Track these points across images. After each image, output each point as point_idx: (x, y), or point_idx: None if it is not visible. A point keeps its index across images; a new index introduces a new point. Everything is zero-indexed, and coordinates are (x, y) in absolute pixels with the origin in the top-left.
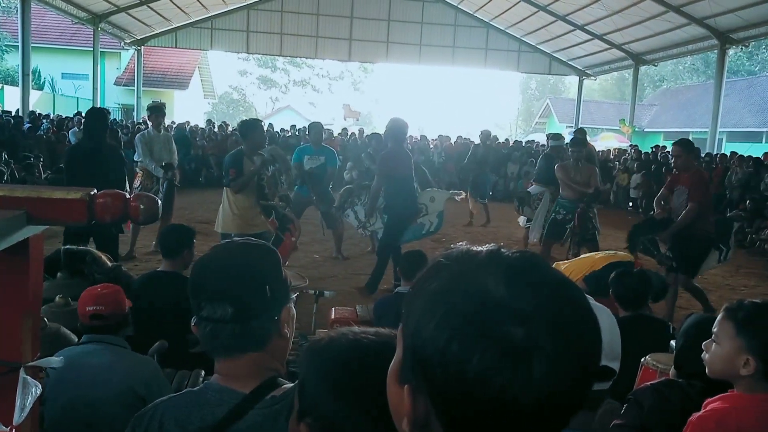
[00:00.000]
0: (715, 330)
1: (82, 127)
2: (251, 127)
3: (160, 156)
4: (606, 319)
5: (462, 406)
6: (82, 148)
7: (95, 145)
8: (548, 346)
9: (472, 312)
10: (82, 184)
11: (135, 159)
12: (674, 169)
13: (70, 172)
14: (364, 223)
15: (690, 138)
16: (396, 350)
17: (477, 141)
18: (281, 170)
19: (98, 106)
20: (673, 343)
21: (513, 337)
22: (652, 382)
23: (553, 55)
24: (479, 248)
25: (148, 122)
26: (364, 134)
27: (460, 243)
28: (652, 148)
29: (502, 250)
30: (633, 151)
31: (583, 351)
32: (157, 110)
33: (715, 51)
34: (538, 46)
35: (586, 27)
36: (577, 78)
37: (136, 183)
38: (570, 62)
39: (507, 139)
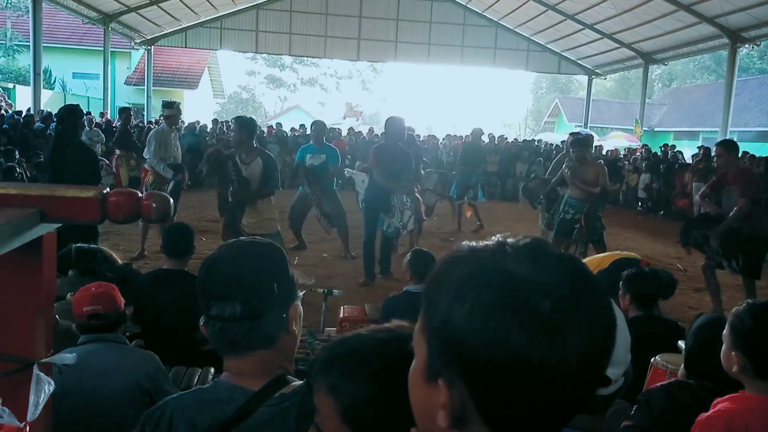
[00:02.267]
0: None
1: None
2: (240, 122)
3: (174, 154)
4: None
5: (503, 386)
6: (55, 146)
7: (65, 143)
8: (574, 315)
9: (502, 291)
10: (53, 181)
11: (144, 156)
12: (719, 169)
13: (49, 170)
14: (402, 224)
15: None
16: (416, 351)
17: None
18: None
19: (108, 105)
20: (681, 343)
21: (542, 309)
22: (662, 383)
23: (563, 54)
24: (487, 241)
25: (162, 120)
26: (373, 134)
27: (465, 242)
28: (661, 147)
29: (509, 238)
30: (643, 150)
31: (602, 317)
32: (176, 108)
33: (726, 50)
34: (547, 45)
35: (595, 26)
36: (587, 77)
37: (149, 180)
38: (579, 61)
39: (515, 139)
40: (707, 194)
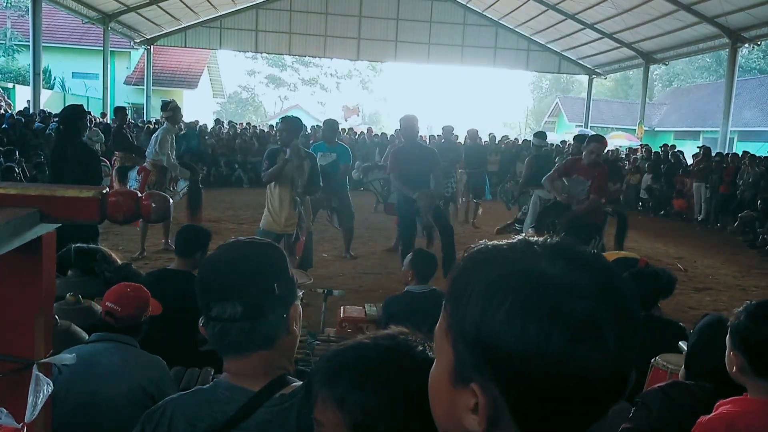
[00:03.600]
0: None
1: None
2: (283, 122)
3: (178, 154)
4: None
5: (540, 390)
6: (57, 146)
7: (66, 142)
8: (608, 315)
9: (539, 293)
10: (53, 181)
11: (147, 155)
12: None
13: (50, 170)
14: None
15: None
16: (438, 355)
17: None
18: (297, 164)
19: (107, 105)
20: (682, 343)
21: (579, 311)
22: (659, 384)
23: (563, 53)
24: (510, 241)
25: (164, 120)
26: (372, 133)
27: (484, 241)
28: (661, 147)
29: (533, 237)
30: (644, 150)
31: (633, 315)
32: (179, 109)
33: (727, 49)
34: (547, 45)
35: (595, 25)
36: (588, 77)
37: (152, 180)
38: (580, 61)
39: (516, 139)
40: (555, 178)
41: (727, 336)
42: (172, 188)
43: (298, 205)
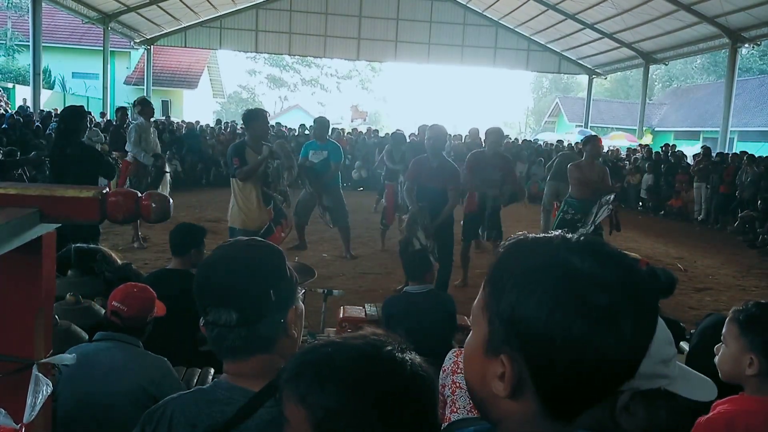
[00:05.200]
0: (723, 332)
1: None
2: (253, 116)
3: (153, 146)
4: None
5: (560, 366)
6: (57, 145)
7: (65, 143)
8: (630, 308)
9: (567, 284)
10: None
11: (125, 149)
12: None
13: (51, 171)
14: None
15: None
16: (474, 328)
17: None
18: (284, 166)
19: (107, 105)
20: (683, 344)
21: (601, 302)
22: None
23: (563, 53)
24: (546, 235)
25: (138, 115)
26: (372, 132)
27: (524, 233)
28: (662, 147)
29: (567, 234)
30: (644, 150)
31: (651, 309)
32: (149, 104)
33: (726, 49)
34: (547, 45)
35: (595, 25)
36: (588, 77)
37: (130, 172)
38: (580, 61)
39: (516, 139)
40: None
41: (736, 337)
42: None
43: (275, 200)
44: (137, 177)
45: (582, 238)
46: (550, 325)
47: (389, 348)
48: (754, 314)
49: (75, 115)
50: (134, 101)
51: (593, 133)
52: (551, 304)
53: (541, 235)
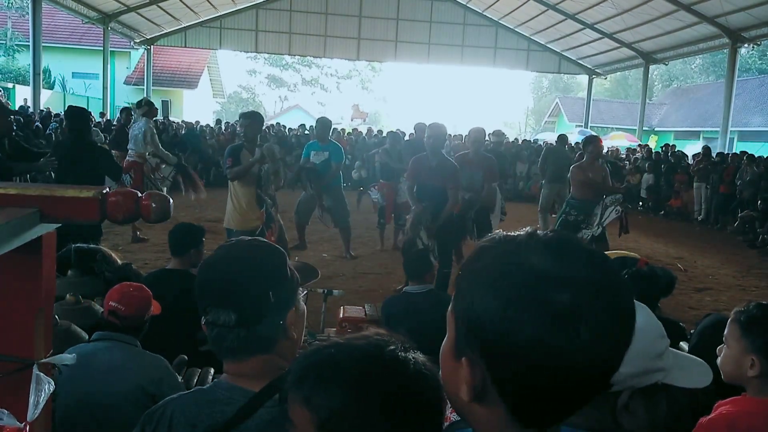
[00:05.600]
0: (725, 333)
1: (65, 125)
2: (245, 117)
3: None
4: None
5: (518, 369)
6: (65, 146)
7: (77, 143)
8: (591, 310)
9: (523, 281)
10: (68, 182)
11: (131, 148)
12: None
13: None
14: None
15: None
16: (448, 330)
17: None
18: (271, 170)
19: (107, 105)
20: (682, 344)
21: (560, 302)
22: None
23: (563, 53)
24: (517, 232)
25: (143, 116)
26: (373, 133)
27: (498, 231)
28: (662, 147)
29: (538, 231)
30: (644, 150)
31: (621, 314)
32: (154, 105)
33: (726, 49)
34: (547, 45)
35: (595, 25)
36: (587, 77)
37: (147, 170)
38: (580, 61)
39: (516, 139)
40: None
41: (737, 338)
42: (154, 175)
43: (266, 203)
44: (154, 179)
45: (549, 234)
46: (504, 327)
47: (392, 347)
48: (755, 315)
49: (83, 117)
50: (139, 102)
51: (593, 134)
52: (504, 302)
53: (512, 233)
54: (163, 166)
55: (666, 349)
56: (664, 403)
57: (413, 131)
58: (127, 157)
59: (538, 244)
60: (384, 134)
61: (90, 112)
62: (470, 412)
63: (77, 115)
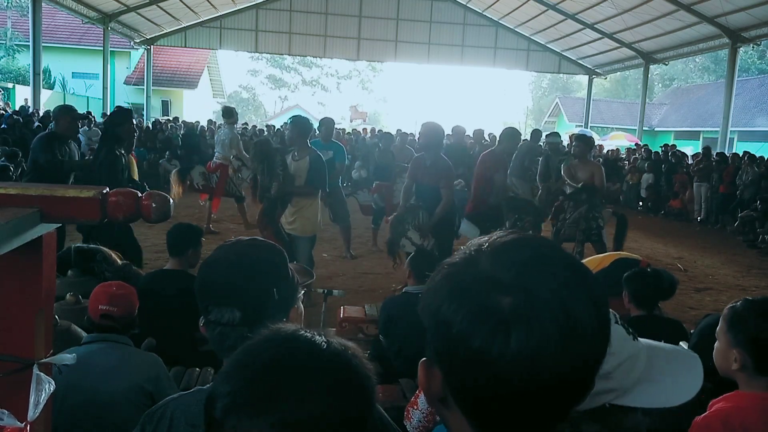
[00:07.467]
0: (716, 329)
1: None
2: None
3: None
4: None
5: (469, 378)
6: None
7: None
8: (540, 314)
9: (465, 290)
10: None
11: (218, 151)
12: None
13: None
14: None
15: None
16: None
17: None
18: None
19: (108, 105)
20: (683, 344)
21: (499, 306)
22: None
23: (563, 53)
24: (481, 238)
25: (226, 124)
26: (375, 133)
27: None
28: (661, 147)
29: (506, 236)
30: (643, 150)
31: (572, 324)
32: (236, 112)
33: (726, 49)
34: (547, 45)
35: (595, 25)
36: (587, 77)
37: (231, 172)
38: (579, 61)
39: None
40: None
41: (723, 332)
42: (236, 177)
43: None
44: (232, 176)
45: (507, 236)
46: (450, 333)
47: (312, 339)
48: (738, 310)
49: (121, 119)
50: (226, 111)
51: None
52: (452, 310)
53: (483, 239)
54: (243, 168)
55: (618, 368)
56: (629, 421)
57: (412, 132)
58: (214, 159)
59: (491, 246)
60: (380, 130)
61: (88, 112)
62: (441, 414)
63: (116, 119)
